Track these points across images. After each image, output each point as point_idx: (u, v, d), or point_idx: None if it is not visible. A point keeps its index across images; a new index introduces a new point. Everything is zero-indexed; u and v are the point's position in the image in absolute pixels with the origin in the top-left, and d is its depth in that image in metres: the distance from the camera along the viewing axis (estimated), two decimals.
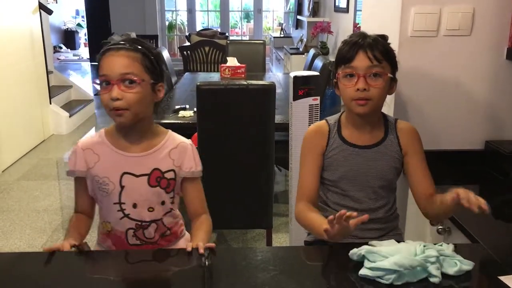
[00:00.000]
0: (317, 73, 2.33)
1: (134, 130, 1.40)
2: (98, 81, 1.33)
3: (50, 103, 5.25)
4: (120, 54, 1.32)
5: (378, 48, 1.39)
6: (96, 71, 1.37)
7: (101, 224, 1.49)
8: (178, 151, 1.44)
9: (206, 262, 1.21)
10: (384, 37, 1.46)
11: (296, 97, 2.21)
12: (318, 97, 2.25)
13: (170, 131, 1.49)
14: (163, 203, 1.44)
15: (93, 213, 1.52)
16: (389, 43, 1.46)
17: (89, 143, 1.44)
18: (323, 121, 1.56)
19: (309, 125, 2.19)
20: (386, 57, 1.41)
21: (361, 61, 1.38)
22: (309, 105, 2.23)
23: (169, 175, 1.43)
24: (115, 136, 1.42)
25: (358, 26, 4.61)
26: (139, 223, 1.43)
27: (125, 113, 1.32)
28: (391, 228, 1.55)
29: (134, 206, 1.42)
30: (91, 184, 1.43)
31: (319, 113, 2.26)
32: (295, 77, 2.20)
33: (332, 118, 1.55)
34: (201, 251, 1.26)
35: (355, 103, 1.41)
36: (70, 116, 5.40)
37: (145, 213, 1.43)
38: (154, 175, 1.41)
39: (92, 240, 1.52)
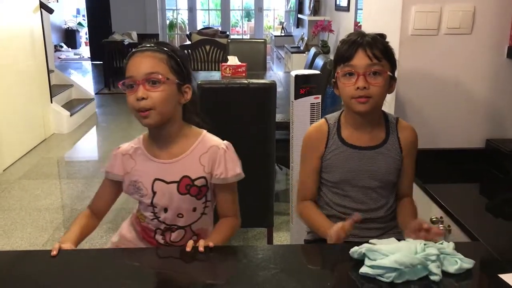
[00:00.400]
0: (318, 72, 2.33)
1: (162, 134, 1.39)
2: (123, 84, 1.33)
3: (51, 102, 5.25)
4: (146, 55, 1.33)
5: (378, 46, 1.39)
6: (123, 75, 1.37)
7: (138, 212, 1.51)
8: (208, 156, 1.40)
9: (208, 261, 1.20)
10: (382, 36, 1.46)
11: (297, 96, 2.21)
12: (320, 96, 2.25)
13: (204, 131, 1.44)
14: (194, 209, 1.44)
15: (103, 216, 1.54)
16: (387, 42, 1.46)
17: (129, 149, 1.46)
18: (323, 121, 1.55)
19: (311, 124, 2.19)
20: (385, 55, 1.40)
21: (360, 59, 1.38)
22: (311, 103, 2.23)
23: (200, 182, 1.40)
24: (149, 142, 1.43)
25: (359, 24, 4.61)
26: (168, 226, 1.45)
27: (150, 114, 1.31)
28: (391, 226, 1.55)
29: (165, 210, 1.43)
30: (127, 186, 1.45)
31: (320, 112, 2.26)
32: (297, 76, 2.19)
33: (332, 117, 1.54)
34: (201, 249, 1.26)
35: (355, 101, 1.40)
36: (71, 115, 5.41)
37: (175, 218, 1.44)
38: (184, 182, 1.39)
39: (96, 238, 1.52)
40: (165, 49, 1.35)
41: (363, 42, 1.38)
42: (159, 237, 1.47)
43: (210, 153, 1.40)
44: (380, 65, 1.38)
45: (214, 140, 1.43)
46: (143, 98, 1.29)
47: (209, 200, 1.46)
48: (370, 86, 1.37)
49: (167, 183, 1.39)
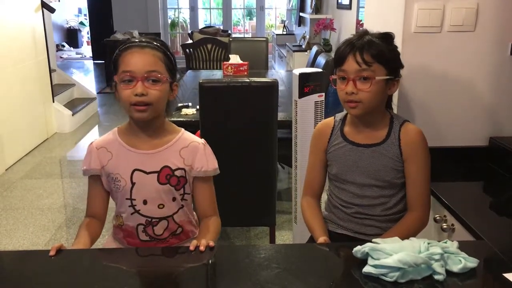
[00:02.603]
0: (321, 70, 2.32)
1: (147, 127, 1.42)
2: (117, 77, 1.35)
3: (53, 102, 5.25)
4: (146, 52, 1.36)
5: (370, 51, 1.39)
6: (113, 67, 1.38)
7: (115, 217, 1.52)
8: (189, 151, 1.45)
9: (209, 261, 1.21)
10: (388, 35, 1.44)
11: (301, 95, 2.19)
12: (323, 94, 2.24)
13: (183, 130, 1.50)
14: (174, 199, 1.46)
15: (105, 217, 1.53)
16: (391, 42, 1.45)
17: (103, 142, 1.47)
18: (331, 118, 1.61)
19: (315, 122, 2.19)
20: (379, 59, 1.40)
21: (350, 64, 1.40)
22: (315, 101, 2.22)
23: (179, 173, 1.44)
24: (127, 134, 1.45)
25: (361, 23, 4.59)
26: (149, 219, 1.46)
27: (147, 109, 1.35)
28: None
29: (145, 202, 1.44)
30: (106, 180, 1.46)
31: (324, 110, 2.25)
32: (301, 74, 2.18)
33: (340, 115, 1.59)
34: (202, 248, 1.26)
35: (347, 105, 1.45)
36: (73, 115, 5.41)
37: (155, 209, 1.45)
38: (164, 172, 1.42)
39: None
40: (162, 47, 1.39)
41: (355, 46, 1.40)
42: (142, 234, 1.48)
43: (191, 148, 1.45)
44: (370, 70, 1.39)
45: (193, 137, 1.49)
46: (142, 94, 1.32)
47: (187, 193, 1.48)
48: (359, 91, 1.40)
49: (147, 173, 1.41)
